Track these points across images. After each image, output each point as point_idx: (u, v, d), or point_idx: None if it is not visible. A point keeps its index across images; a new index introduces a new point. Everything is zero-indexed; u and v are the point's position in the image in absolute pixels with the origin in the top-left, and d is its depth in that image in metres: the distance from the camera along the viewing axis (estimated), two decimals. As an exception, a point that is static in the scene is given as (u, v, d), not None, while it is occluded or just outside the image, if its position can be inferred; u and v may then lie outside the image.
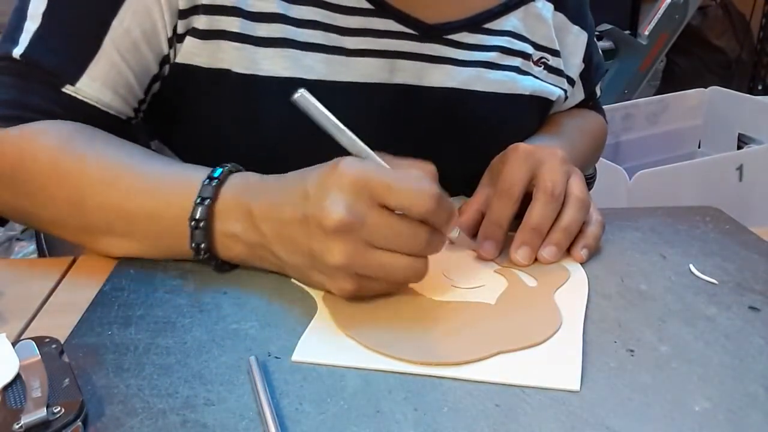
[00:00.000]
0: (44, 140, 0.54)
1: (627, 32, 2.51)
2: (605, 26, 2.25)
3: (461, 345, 0.44)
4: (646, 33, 2.36)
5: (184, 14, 0.58)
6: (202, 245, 0.51)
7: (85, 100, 0.57)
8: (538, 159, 0.56)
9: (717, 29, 3.06)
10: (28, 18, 0.56)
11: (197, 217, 0.50)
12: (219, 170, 0.52)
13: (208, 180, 0.51)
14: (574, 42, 0.77)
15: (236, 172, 0.53)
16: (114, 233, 0.54)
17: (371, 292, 0.49)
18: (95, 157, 0.54)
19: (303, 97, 0.48)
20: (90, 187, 0.53)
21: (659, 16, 2.34)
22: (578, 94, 0.83)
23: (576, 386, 0.41)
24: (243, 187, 0.51)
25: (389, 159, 0.50)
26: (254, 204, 0.49)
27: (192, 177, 0.52)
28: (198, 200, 0.50)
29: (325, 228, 0.45)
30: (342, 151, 0.49)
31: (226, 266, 0.53)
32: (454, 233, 0.53)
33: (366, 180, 0.45)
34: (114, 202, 0.52)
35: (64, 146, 0.54)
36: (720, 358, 0.44)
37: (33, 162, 0.54)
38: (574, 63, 0.78)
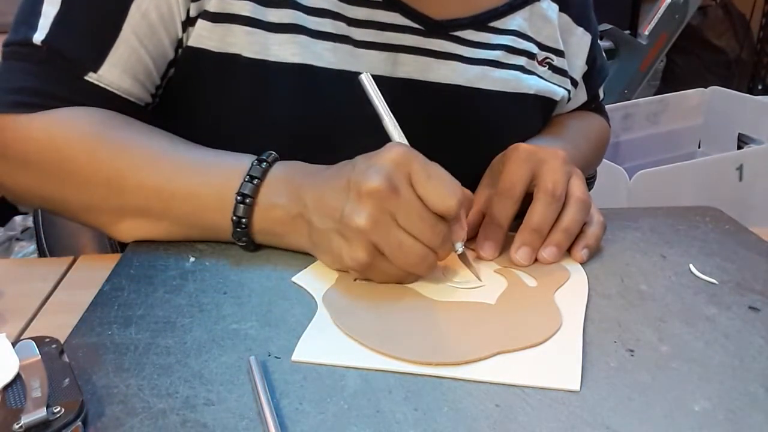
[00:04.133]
0: (77, 125, 0.55)
1: (627, 32, 2.51)
2: (605, 26, 2.25)
3: (461, 345, 0.44)
4: (646, 33, 2.35)
5: None
6: (243, 219, 0.53)
7: (107, 87, 0.58)
8: (539, 159, 0.56)
9: (717, 29, 3.06)
10: (45, 1, 0.57)
11: (245, 192, 0.52)
12: (267, 153, 0.55)
13: (257, 161, 0.54)
14: (577, 43, 0.77)
15: (280, 159, 0.55)
16: (148, 214, 0.55)
17: (379, 275, 0.50)
18: (135, 141, 0.56)
19: (367, 77, 0.52)
20: (130, 169, 0.54)
21: (659, 16, 2.33)
22: (581, 96, 0.83)
23: (576, 386, 0.41)
24: (291, 169, 0.54)
25: None
26: (302, 180, 0.52)
27: (236, 159, 0.55)
28: (247, 178, 0.53)
29: (360, 191, 0.47)
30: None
31: (252, 245, 0.55)
32: (458, 247, 0.52)
33: (409, 160, 0.49)
34: (155, 182, 0.54)
35: (100, 131, 0.55)
36: (720, 358, 0.44)
37: (66, 147, 0.55)
38: (577, 64, 0.78)
